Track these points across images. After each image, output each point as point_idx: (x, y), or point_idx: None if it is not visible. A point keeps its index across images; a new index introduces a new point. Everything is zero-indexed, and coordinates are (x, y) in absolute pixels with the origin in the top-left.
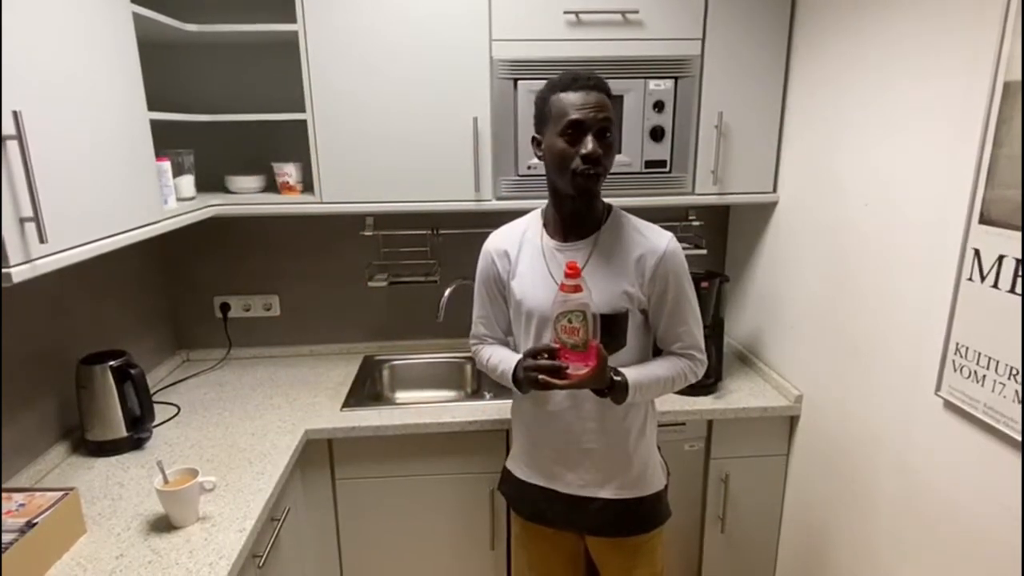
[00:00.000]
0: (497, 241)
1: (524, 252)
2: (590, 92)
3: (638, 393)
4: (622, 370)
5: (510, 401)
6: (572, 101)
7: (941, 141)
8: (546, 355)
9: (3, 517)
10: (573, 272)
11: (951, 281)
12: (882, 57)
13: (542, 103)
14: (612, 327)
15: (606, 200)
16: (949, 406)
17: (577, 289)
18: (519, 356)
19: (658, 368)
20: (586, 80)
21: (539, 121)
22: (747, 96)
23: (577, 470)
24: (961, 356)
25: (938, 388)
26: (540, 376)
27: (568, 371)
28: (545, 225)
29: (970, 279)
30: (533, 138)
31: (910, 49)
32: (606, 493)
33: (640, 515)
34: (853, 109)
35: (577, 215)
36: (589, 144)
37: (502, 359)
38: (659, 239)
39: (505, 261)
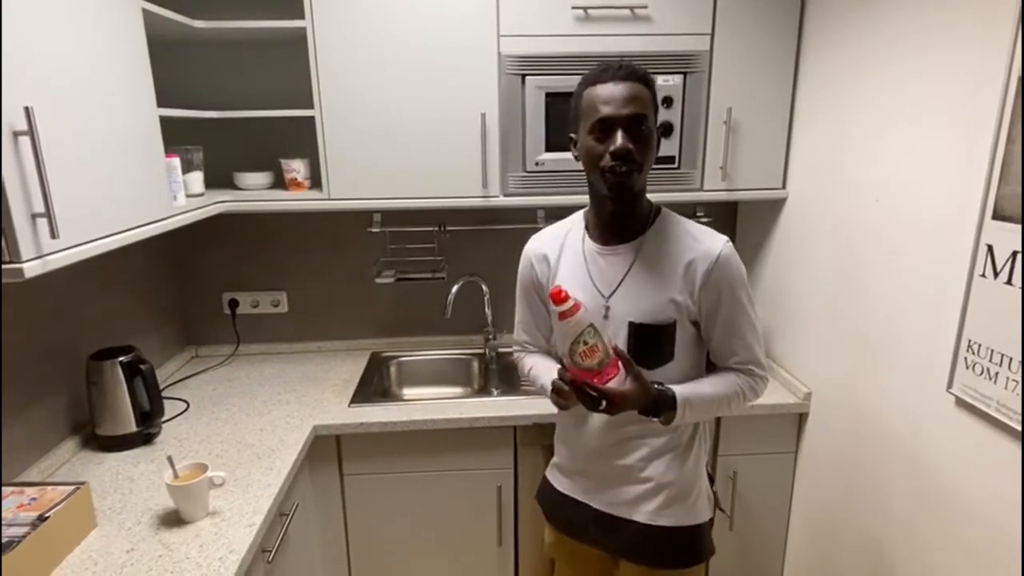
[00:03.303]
0: (537, 245)
1: (565, 256)
2: (620, 83)
3: (687, 411)
4: (670, 386)
5: (517, 398)
6: (600, 95)
7: (953, 137)
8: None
9: (16, 511)
10: (560, 298)
11: (963, 277)
12: (893, 52)
13: (576, 100)
14: (657, 339)
15: (652, 199)
16: (961, 403)
17: (575, 310)
18: (556, 370)
19: (711, 386)
20: (616, 70)
21: (573, 118)
22: (756, 91)
23: (611, 489)
24: (973, 353)
25: (950, 385)
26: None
27: (599, 387)
28: (587, 228)
29: (983, 275)
30: (569, 136)
31: (921, 44)
32: (640, 517)
33: (675, 547)
34: (863, 104)
35: (619, 216)
36: (618, 139)
37: (541, 372)
38: (712, 243)
39: (544, 265)
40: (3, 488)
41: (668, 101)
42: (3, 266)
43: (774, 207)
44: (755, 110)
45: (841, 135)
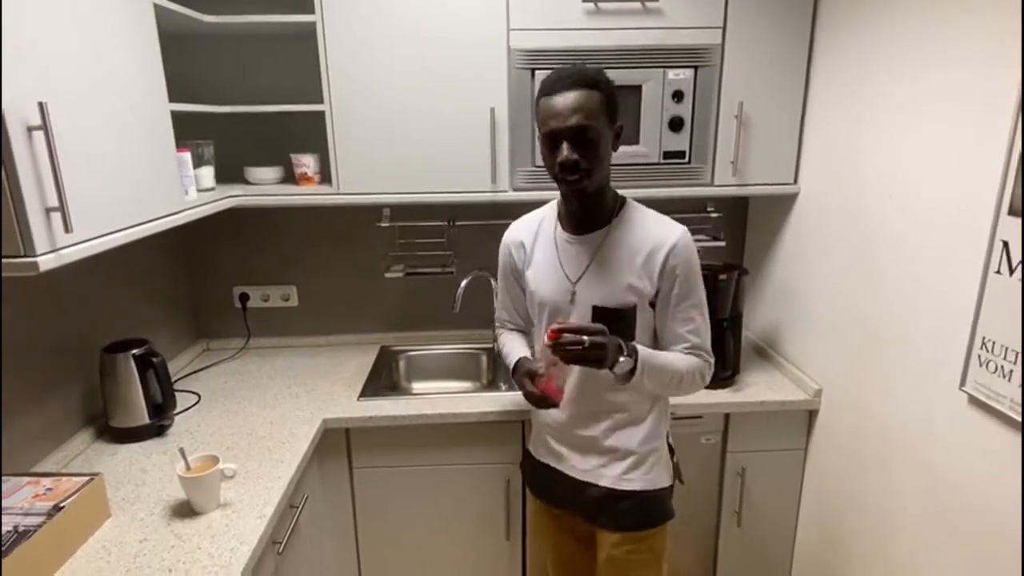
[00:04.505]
0: (515, 232)
1: (539, 243)
2: (567, 93)
3: (645, 373)
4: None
5: None
6: (548, 108)
7: (967, 131)
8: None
9: (32, 500)
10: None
11: (978, 274)
12: (906, 45)
13: (535, 106)
14: (619, 322)
15: (622, 192)
16: (974, 401)
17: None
18: (523, 353)
19: (668, 356)
20: (566, 79)
21: (536, 123)
22: (768, 86)
23: (580, 456)
24: (987, 351)
25: (962, 383)
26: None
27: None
28: (559, 217)
29: (998, 272)
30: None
31: (935, 37)
32: (605, 481)
33: (638, 509)
34: (876, 98)
35: (586, 209)
36: (563, 151)
37: (510, 351)
38: (670, 232)
39: (521, 251)
40: (20, 478)
41: (679, 95)
42: (17, 259)
43: (785, 202)
44: (767, 104)
45: (854, 129)
